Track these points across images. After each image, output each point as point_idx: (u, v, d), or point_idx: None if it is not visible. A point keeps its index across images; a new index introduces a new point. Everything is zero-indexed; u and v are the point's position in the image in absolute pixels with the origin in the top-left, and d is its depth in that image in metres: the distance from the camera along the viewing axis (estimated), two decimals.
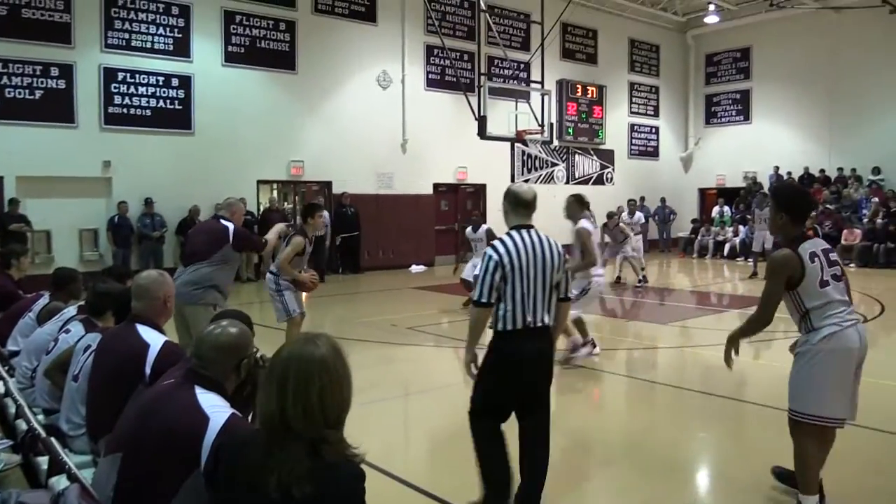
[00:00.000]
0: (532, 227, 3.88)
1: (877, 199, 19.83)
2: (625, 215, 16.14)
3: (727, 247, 21.77)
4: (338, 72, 17.68)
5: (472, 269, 11.47)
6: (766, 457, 4.82)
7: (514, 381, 3.77)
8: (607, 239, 14.94)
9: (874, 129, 21.59)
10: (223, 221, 6.18)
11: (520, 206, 3.91)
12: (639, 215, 16.48)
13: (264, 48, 16.56)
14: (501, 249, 3.76)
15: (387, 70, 18.58)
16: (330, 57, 17.51)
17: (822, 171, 22.49)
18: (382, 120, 18.40)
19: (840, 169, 22.13)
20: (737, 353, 4.01)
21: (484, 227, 11.91)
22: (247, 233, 6.37)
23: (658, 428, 5.88)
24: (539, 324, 3.76)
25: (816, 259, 3.72)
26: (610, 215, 15.00)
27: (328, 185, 17.79)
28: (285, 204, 19.74)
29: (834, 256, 3.85)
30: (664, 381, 7.45)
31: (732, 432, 5.79)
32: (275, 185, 19.60)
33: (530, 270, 3.74)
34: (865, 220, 19.50)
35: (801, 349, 3.80)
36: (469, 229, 12.16)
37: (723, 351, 4.07)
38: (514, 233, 3.84)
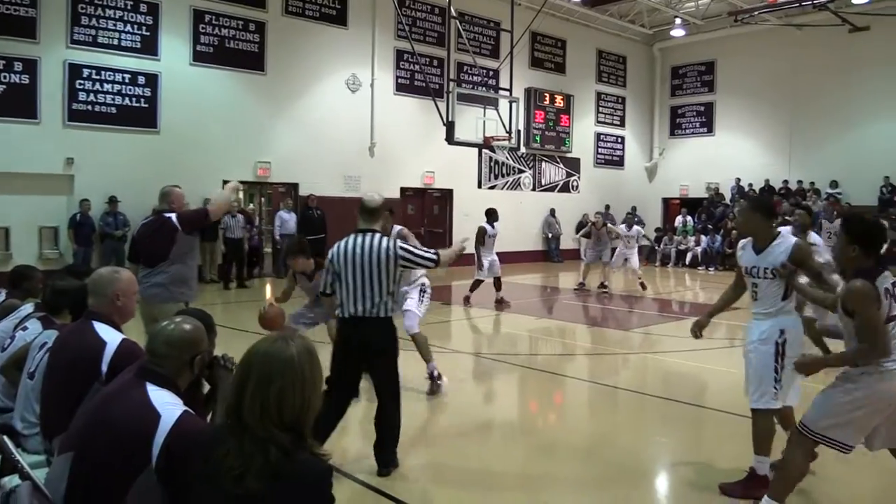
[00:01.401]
0: (371, 231, 4.47)
1: (835, 212, 20.24)
2: (622, 227, 15.90)
3: (689, 256, 22.07)
4: (307, 74, 17.58)
5: (486, 266, 12.61)
6: (725, 462, 4.88)
7: (346, 360, 4.47)
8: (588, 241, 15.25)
9: (833, 143, 22.07)
10: (165, 215, 5.90)
11: (363, 213, 4.52)
12: (636, 228, 16.15)
13: (233, 48, 16.41)
14: (334, 250, 4.53)
15: (356, 74, 18.52)
16: (299, 59, 17.41)
17: (784, 182, 22.92)
18: (351, 123, 18.33)
19: (800, 181, 22.58)
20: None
21: (497, 225, 12.97)
22: (188, 212, 5.94)
23: (619, 432, 5.92)
24: (366, 314, 4.40)
25: (889, 295, 3.59)
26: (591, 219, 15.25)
27: (295, 186, 17.66)
28: (251, 205, 19.59)
29: None
30: (626, 386, 7.52)
31: (692, 437, 5.85)
32: (242, 186, 19.43)
33: (356, 269, 4.39)
34: (825, 232, 19.88)
35: (849, 373, 3.65)
36: (488, 225, 12.82)
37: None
38: (351, 236, 4.49)
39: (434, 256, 4.56)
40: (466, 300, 12.69)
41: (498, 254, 13.21)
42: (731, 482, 4.48)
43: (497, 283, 12.78)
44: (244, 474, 1.93)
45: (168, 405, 2.42)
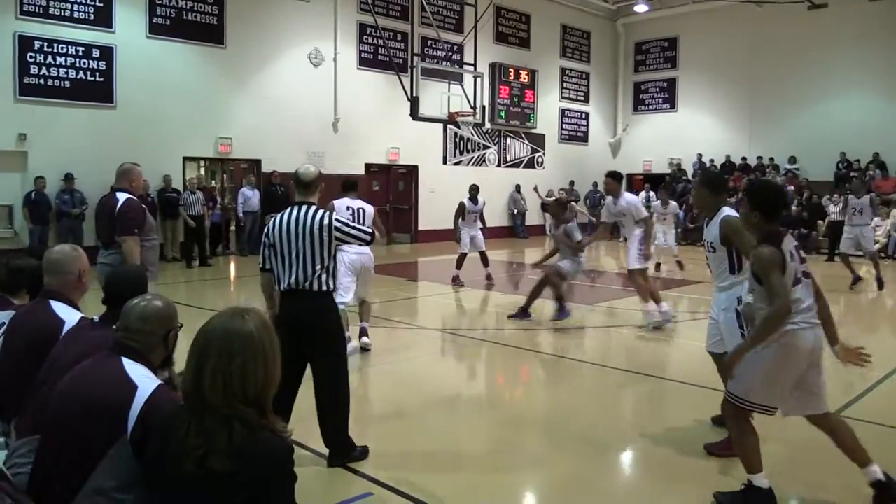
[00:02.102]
0: (307, 203, 4.42)
1: (792, 188, 20.62)
2: (657, 204, 15.13)
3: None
4: (268, 48, 17.31)
5: (465, 241, 12.50)
6: (689, 433, 4.98)
7: (285, 334, 4.19)
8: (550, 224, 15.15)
9: (791, 120, 22.43)
10: (118, 195, 5.68)
11: (298, 186, 4.50)
12: (673, 205, 15.34)
13: (191, 21, 16.06)
14: (269, 224, 4.48)
15: (319, 48, 18.28)
16: (260, 32, 17.12)
17: (744, 158, 23.26)
18: (314, 98, 18.13)
19: (759, 157, 22.93)
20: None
21: (482, 199, 12.77)
22: (128, 214, 5.61)
23: (584, 405, 6.00)
24: (300, 287, 4.32)
25: (793, 257, 3.76)
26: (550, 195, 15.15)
27: (257, 163, 17.45)
28: (212, 182, 19.31)
29: (803, 254, 3.88)
30: (590, 360, 7.61)
31: (656, 409, 5.95)
32: (202, 163, 19.14)
33: (290, 241, 4.34)
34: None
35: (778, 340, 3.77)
36: (468, 201, 12.61)
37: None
38: (287, 209, 4.45)
39: (369, 230, 4.51)
40: (455, 280, 12.58)
41: None
42: (715, 441, 4.65)
43: (483, 259, 12.77)
44: (207, 454, 1.92)
45: (144, 377, 2.42)
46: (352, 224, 4.49)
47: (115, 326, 2.61)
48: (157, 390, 2.39)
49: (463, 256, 12.60)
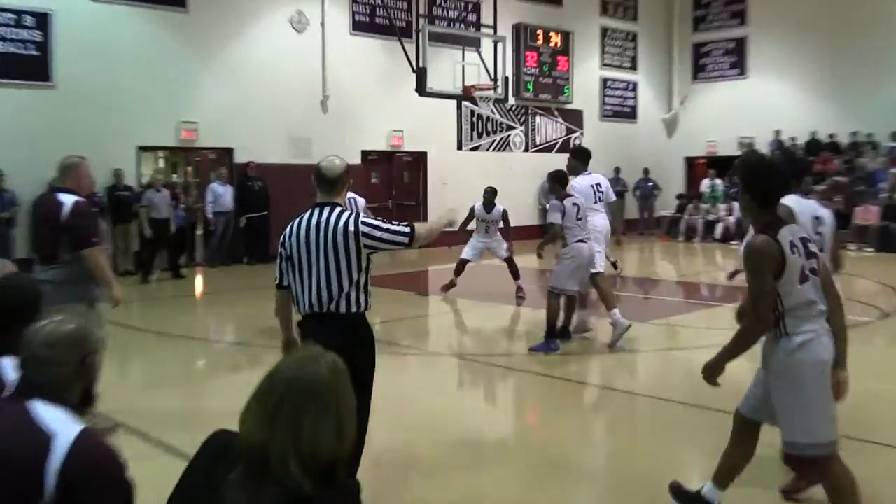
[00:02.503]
0: (330, 204, 4.39)
1: (894, 171, 20.44)
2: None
3: (719, 228, 22.22)
4: (241, 11, 17.37)
5: (471, 247, 12.55)
6: (773, 479, 4.90)
7: None
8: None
9: (894, 85, 22.24)
10: (61, 197, 5.68)
11: (320, 183, 4.46)
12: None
13: None
14: (286, 231, 4.45)
15: (302, 10, 18.34)
16: None
17: (832, 136, 23.08)
18: (297, 72, 18.17)
19: (853, 133, 22.75)
20: (718, 378, 4.07)
21: (500, 207, 12.57)
22: (82, 222, 5.57)
23: (639, 449, 5.94)
24: (323, 310, 4.28)
25: (796, 250, 3.81)
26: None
27: (229, 152, 17.50)
28: (174, 176, 19.39)
29: (813, 247, 3.95)
30: (645, 391, 7.53)
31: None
32: (161, 153, 19.19)
33: (310, 253, 4.32)
34: (883, 195, 20.08)
35: (776, 367, 3.88)
36: (479, 207, 12.58)
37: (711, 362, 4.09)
38: (307, 212, 4.42)
39: (407, 230, 4.37)
40: (445, 287, 12.58)
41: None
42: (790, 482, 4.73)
43: (511, 269, 12.49)
44: None
45: (61, 421, 2.37)
46: (384, 226, 4.35)
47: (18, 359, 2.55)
48: (81, 436, 2.34)
49: (462, 264, 12.54)
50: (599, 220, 9.32)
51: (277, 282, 4.52)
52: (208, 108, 16.92)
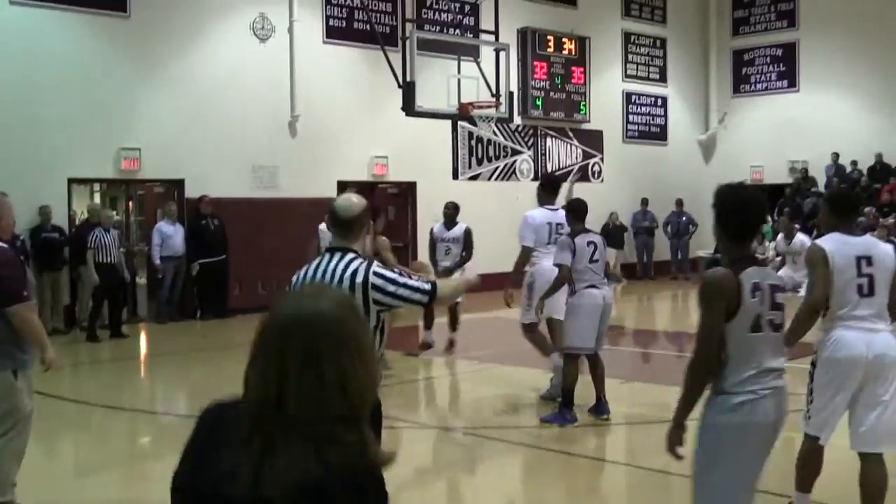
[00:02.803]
0: (342, 250, 4.51)
1: None
2: (779, 239, 15.23)
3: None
4: (193, 15, 17.48)
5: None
6: None
7: None
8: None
9: None
10: None
11: (334, 225, 4.64)
12: (800, 238, 15.35)
13: None
14: (293, 280, 4.63)
15: (266, 14, 18.47)
16: None
17: None
18: (261, 88, 18.26)
19: None
20: (680, 442, 4.23)
21: (462, 225, 12.66)
22: (5, 272, 5.60)
23: None
24: None
25: (759, 295, 4.04)
26: None
27: (179, 185, 17.50)
28: (114, 214, 19.40)
29: (780, 298, 4.18)
30: (683, 470, 7.50)
31: None
32: (97, 187, 19.24)
33: None
34: None
35: (706, 421, 4.15)
36: (439, 226, 12.67)
37: None
38: (317, 259, 4.60)
39: (427, 287, 4.44)
40: (423, 345, 12.65)
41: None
42: None
43: (451, 316, 12.56)
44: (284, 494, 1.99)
45: None
46: (400, 280, 4.39)
47: None
48: None
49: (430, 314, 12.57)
50: (546, 264, 9.29)
51: None
52: (153, 132, 16.95)
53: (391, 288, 4.34)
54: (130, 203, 19.49)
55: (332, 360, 2.04)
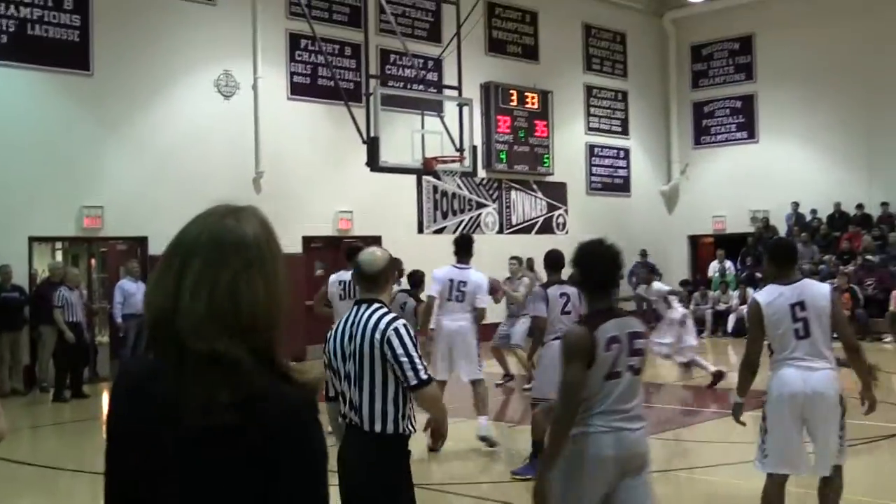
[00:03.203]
0: (368, 301, 4.76)
1: None
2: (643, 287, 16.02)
3: (731, 319, 22.32)
4: (156, 73, 17.48)
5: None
6: None
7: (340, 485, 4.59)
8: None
9: None
10: None
11: (360, 280, 4.90)
12: (657, 286, 16.18)
13: (40, 36, 16.24)
14: (328, 334, 4.86)
15: (230, 71, 18.51)
16: (144, 51, 17.32)
17: (860, 206, 23.51)
18: (225, 144, 18.23)
19: (885, 204, 23.22)
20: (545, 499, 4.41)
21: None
22: None
23: None
24: (352, 423, 4.61)
25: (615, 346, 4.41)
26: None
27: (142, 242, 17.38)
28: (78, 273, 19.20)
29: (639, 344, 4.56)
30: None
31: None
32: (59, 245, 19.06)
33: (346, 359, 4.66)
34: None
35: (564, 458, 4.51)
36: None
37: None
38: (349, 311, 4.81)
39: (424, 377, 4.60)
40: None
41: None
42: None
43: None
44: (207, 406, 1.92)
45: None
46: (411, 352, 4.54)
47: None
48: None
49: None
50: (447, 322, 9.77)
51: (325, 392, 4.87)
52: (116, 189, 16.87)
53: (399, 351, 4.53)
54: (93, 261, 19.33)
55: (229, 275, 2.00)
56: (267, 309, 2.04)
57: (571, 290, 8.80)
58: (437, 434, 5.32)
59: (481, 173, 20.99)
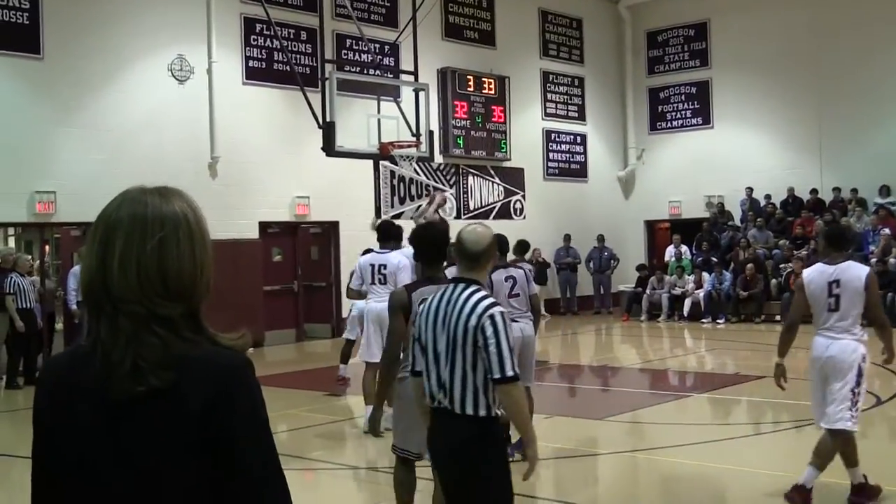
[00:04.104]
0: (466, 282, 4.58)
1: (887, 231, 21.02)
2: None
3: (687, 303, 22.47)
4: (109, 56, 17.31)
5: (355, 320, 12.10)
6: None
7: (436, 472, 4.81)
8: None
9: (881, 133, 23.11)
10: None
11: (460, 257, 4.70)
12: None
13: None
14: (419, 308, 4.85)
15: (185, 55, 18.37)
16: (95, 34, 17.14)
17: (814, 191, 23.78)
18: (179, 129, 18.11)
19: (836, 189, 23.46)
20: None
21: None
22: None
23: None
24: (441, 405, 4.49)
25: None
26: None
27: None
28: (29, 259, 19.02)
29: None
30: (608, 502, 7.52)
31: None
32: (11, 231, 18.87)
33: (438, 338, 4.54)
34: (873, 260, 20.63)
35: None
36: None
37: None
38: (443, 287, 4.72)
39: (510, 374, 4.33)
40: (340, 380, 13.09)
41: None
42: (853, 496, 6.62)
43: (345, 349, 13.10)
44: (137, 368, 1.96)
45: None
46: (503, 344, 4.32)
47: None
48: None
49: (349, 344, 12.79)
50: (373, 305, 9.82)
51: (411, 366, 4.81)
52: (69, 175, 16.70)
53: (491, 341, 4.34)
54: (45, 247, 19.13)
55: (155, 243, 2.06)
56: (192, 276, 2.09)
57: (518, 273, 8.84)
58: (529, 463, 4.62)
59: (438, 158, 21.01)
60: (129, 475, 1.98)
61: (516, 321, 8.75)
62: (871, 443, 9.23)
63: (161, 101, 17.97)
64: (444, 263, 6.24)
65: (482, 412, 4.39)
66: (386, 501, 8.13)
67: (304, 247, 20.72)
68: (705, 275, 22.66)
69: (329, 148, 14.97)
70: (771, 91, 24.65)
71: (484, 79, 23.45)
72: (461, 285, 4.55)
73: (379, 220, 12.70)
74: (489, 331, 4.33)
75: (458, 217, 23.06)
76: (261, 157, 19.19)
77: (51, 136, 16.58)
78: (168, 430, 1.96)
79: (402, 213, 21.87)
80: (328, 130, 14.85)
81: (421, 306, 4.76)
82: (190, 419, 1.96)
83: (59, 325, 17.37)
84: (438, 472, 4.66)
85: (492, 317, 4.35)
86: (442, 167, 22.64)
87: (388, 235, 10.37)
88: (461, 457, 4.47)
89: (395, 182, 21.80)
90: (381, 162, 19.01)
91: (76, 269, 16.44)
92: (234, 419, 1.98)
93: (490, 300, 4.46)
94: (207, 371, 1.99)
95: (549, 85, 25.89)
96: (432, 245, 5.82)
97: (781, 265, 21.54)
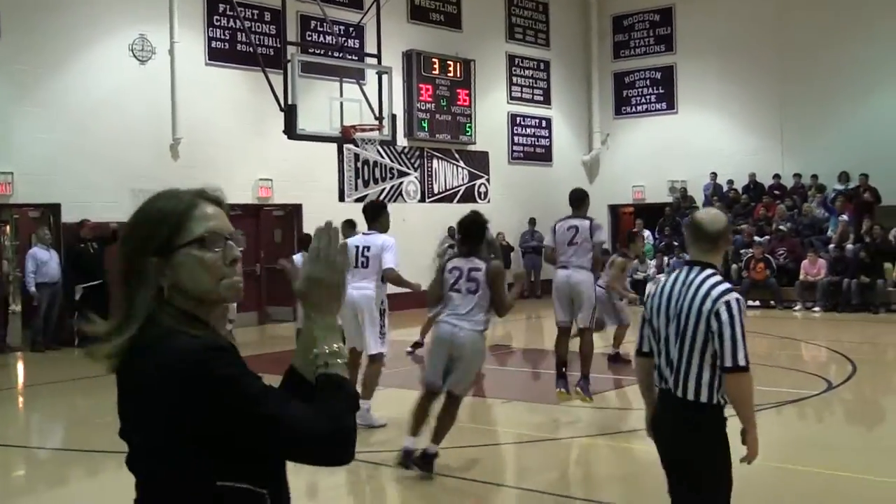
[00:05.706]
0: (702, 265, 4.50)
1: (845, 217, 21.25)
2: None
3: (649, 288, 22.56)
4: (68, 36, 17.13)
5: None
6: None
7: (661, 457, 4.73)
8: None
9: (841, 120, 23.28)
10: None
11: (697, 239, 4.57)
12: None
13: None
14: (652, 290, 4.83)
15: (146, 35, 18.20)
16: (54, 14, 16.94)
17: (776, 177, 23.98)
18: (141, 110, 17.96)
19: (797, 175, 23.68)
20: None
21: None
22: None
23: None
24: (670, 388, 4.44)
25: (455, 272, 7.67)
26: None
27: (55, 209, 17.09)
28: None
29: (476, 275, 7.57)
30: (560, 489, 7.53)
31: None
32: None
33: (671, 320, 4.48)
34: (831, 246, 20.86)
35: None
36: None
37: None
38: (676, 271, 4.68)
39: (743, 364, 4.29)
40: None
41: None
42: None
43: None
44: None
45: None
46: (738, 332, 4.26)
47: None
48: None
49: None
50: (350, 290, 9.02)
51: (638, 347, 4.78)
52: (27, 155, 16.54)
53: (726, 328, 4.27)
54: (5, 227, 18.96)
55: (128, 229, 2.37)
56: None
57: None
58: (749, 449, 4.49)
59: (403, 142, 20.99)
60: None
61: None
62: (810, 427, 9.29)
63: (122, 81, 17.81)
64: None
65: (703, 397, 4.34)
66: (340, 487, 8.15)
67: (266, 230, 20.63)
68: (667, 259, 22.77)
69: (291, 131, 14.92)
70: (734, 76, 24.83)
71: (449, 62, 23.43)
72: (696, 268, 4.49)
73: (366, 201, 12.34)
74: (724, 317, 4.27)
75: (422, 200, 23.06)
76: (223, 139, 19.07)
77: (8, 115, 16.41)
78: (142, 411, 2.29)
79: (367, 195, 21.86)
80: (290, 113, 14.81)
81: (654, 287, 4.83)
82: (157, 403, 2.24)
83: (17, 308, 17.22)
84: (661, 452, 4.64)
85: (727, 303, 4.29)
86: (406, 150, 22.61)
87: (375, 216, 9.96)
88: (682, 442, 4.48)
89: (360, 165, 21.76)
90: (345, 145, 18.97)
91: (34, 250, 16.31)
92: (209, 403, 2.17)
93: (726, 285, 4.40)
94: (167, 358, 2.25)
95: (514, 68, 25.91)
96: (482, 228, 7.73)
97: (742, 250, 21.68)
